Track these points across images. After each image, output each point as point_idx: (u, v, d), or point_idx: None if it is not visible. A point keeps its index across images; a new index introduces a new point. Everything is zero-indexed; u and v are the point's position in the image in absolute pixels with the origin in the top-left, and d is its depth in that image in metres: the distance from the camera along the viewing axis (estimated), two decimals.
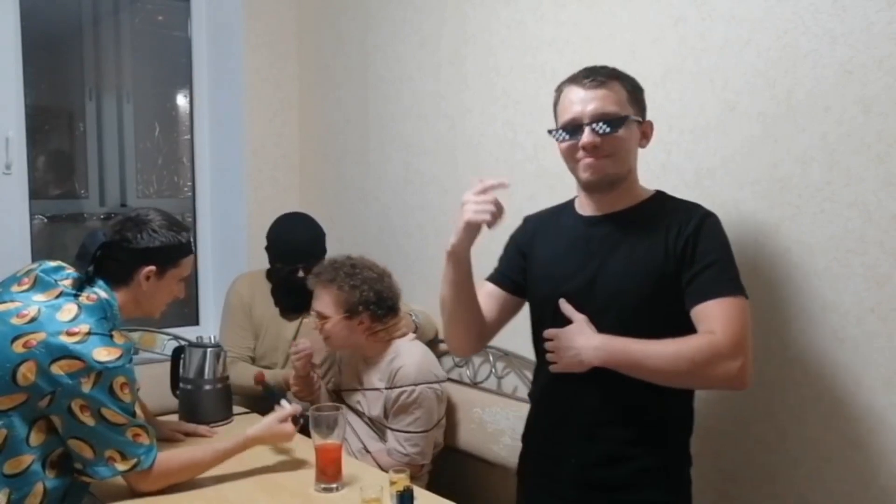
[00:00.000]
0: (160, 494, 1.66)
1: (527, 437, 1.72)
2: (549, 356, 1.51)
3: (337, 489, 1.69)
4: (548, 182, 2.15)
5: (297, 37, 3.16)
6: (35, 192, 2.86)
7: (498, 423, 2.16)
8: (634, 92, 1.52)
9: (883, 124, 1.46)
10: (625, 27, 1.92)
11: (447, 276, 1.59)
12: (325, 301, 2.11)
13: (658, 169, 1.84)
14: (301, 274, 2.42)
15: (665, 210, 1.52)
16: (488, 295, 1.69)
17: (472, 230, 1.53)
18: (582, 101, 1.49)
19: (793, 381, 1.62)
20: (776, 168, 1.63)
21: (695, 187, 1.78)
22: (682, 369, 1.39)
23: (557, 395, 1.58)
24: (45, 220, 2.99)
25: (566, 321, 1.52)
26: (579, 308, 1.51)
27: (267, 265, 2.59)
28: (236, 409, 2.31)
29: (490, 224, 1.51)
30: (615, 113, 1.47)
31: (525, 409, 2.12)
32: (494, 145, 2.32)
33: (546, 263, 1.61)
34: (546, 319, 1.57)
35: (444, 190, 2.51)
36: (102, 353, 1.54)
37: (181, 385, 2.20)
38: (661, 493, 1.50)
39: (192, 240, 1.80)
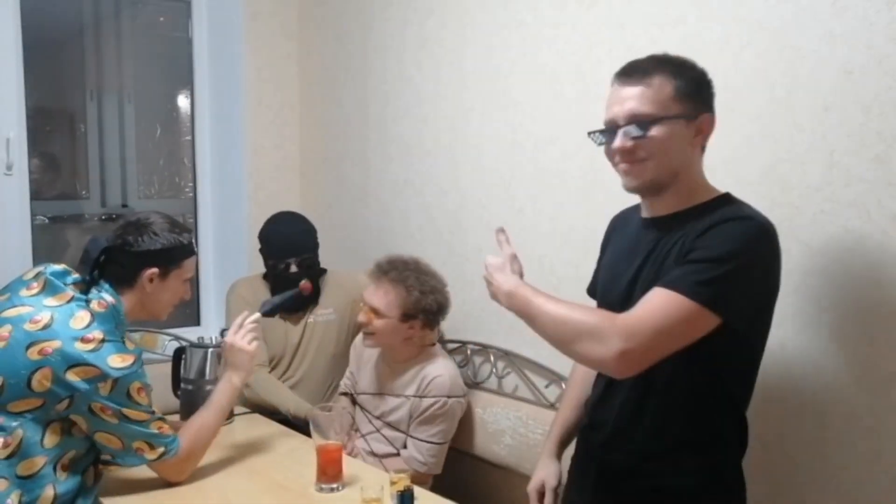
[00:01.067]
0: (183, 484, 1.72)
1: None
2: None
3: (338, 489, 1.70)
4: (548, 182, 2.15)
5: (297, 38, 3.16)
6: (36, 193, 2.87)
7: (499, 424, 2.16)
8: (687, 84, 1.35)
9: (882, 124, 1.46)
10: (624, 28, 1.92)
11: None
12: (385, 299, 2.08)
13: None
14: (294, 269, 2.43)
15: (713, 212, 1.34)
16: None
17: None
18: (619, 101, 1.37)
19: (791, 382, 1.62)
20: (775, 168, 1.63)
21: None
22: (562, 331, 1.32)
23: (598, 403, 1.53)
24: (47, 220, 3.00)
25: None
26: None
27: (263, 269, 2.58)
28: (237, 409, 2.31)
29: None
30: (650, 113, 1.33)
31: (526, 408, 2.13)
32: (494, 146, 2.32)
33: (607, 266, 1.56)
34: None
35: (443, 191, 2.51)
36: (117, 360, 1.57)
37: (182, 385, 2.20)
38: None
39: (193, 241, 1.81)
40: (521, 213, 2.24)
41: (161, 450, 1.65)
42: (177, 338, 2.85)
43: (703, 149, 1.41)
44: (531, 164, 2.20)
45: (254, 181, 3.08)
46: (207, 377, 2.18)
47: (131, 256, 1.69)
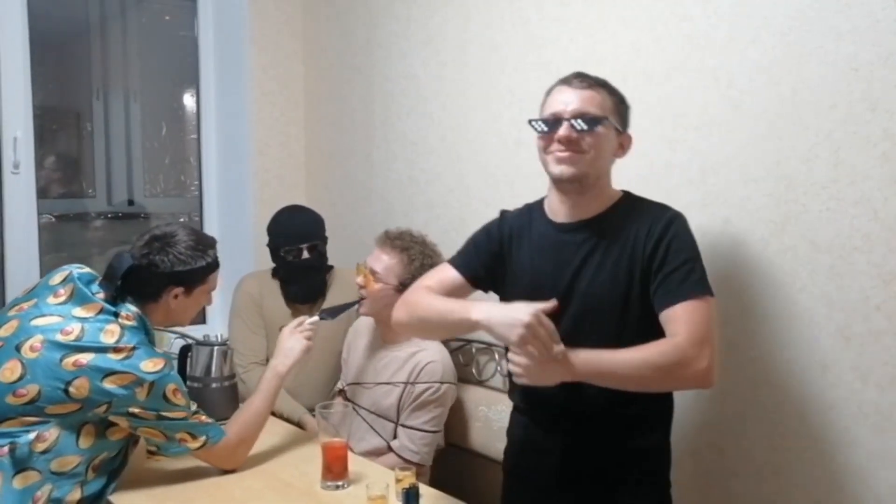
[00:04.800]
0: (236, 470, 1.79)
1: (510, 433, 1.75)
2: (513, 369, 1.41)
3: (343, 487, 1.70)
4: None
5: (303, 36, 3.17)
6: (43, 192, 2.88)
7: (503, 421, 2.15)
8: (620, 104, 1.55)
9: (889, 122, 1.46)
10: (629, 25, 1.92)
11: None
12: (386, 264, 2.10)
13: (662, 167, 1.84)
14: (306, 255, 2.45)
15: (634, 213, 1.53)
16: (446, 279, 1.68)
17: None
18: (566, 99, 1.52)
19: (797, 379, 1.62)
20: (781, 166, 1.63)
21: (699, 185, 1.77)
22: (650, 375, 1.40)
23: (535, 393, 1.54)
24: (53, 218, 3.01)
25: (567, 321, 1.51)
26: (555, 318, 1.46)
27: (271, 265, 2.58)
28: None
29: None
30: (596, 114, 1.50)
31: None
32: (499, 143, 2.32)
33: (524, 272, 1.61)
34: None
35: (448, 188, 2.52)
36: (149, 365, 1.61)
37: (188, 383, 2.21)
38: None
39: (217, 255, 1.84)
40: None
41: (203, 438, 1.70)
42: (183, 335, 2.86)
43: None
44: (535, 162, 2.19)
45: (259, 179, 3.09)
46: (213, 374, 2.19)
47: (156, 276, 1.72)
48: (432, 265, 2.10)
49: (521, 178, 2.24)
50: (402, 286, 2.06)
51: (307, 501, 1.68)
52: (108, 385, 1.56)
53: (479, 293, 1.70)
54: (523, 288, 1.59)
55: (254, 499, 1.69)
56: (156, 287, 1.73)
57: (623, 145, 1.56)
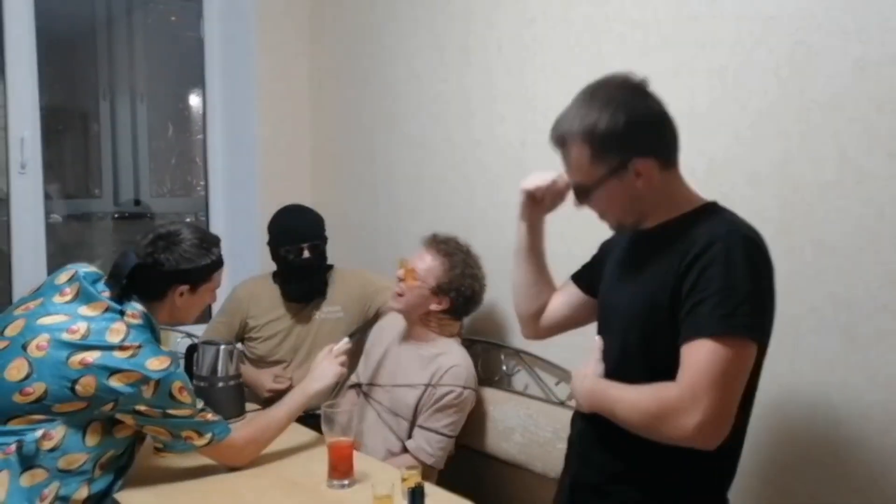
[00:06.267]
0: (242, 468, 1.79)
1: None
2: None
3: (349, 486, 1.70)
4: None
5: (308, 36, 3.17)
6: (50, 192, 2.89)
7: (509, 421, 2.16)
8: (602, 141, 1.29)
9: (895, 121, 1.46)
10: (635, 25, 1.92)
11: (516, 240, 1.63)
12: (429, 265, 2.13)
13: None
14: (307, 255, 2.45)
15: (697, 227, 1.29)
16: (563, 289, 1.65)
17: (527, 199, 1.55)
18: (562, 166, 1.41)
19: (804, 380, 1.61)
20: (788, 166, 1.62)
21: (705, 185, 1.76)
22: (636, 421, 1.27)
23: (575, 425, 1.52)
24: (60, 219, 3.03)
25: (610, 335, 1.45)
26: (610, 327, 1.44)
27: (271, 269, 2.59)
28: (249, 405, 2.32)
29: (544, 200, 1.51)
30: (581, 183, 1.35)
31: (536, 406, 2.13)
32: (504, 143, 2.32)
33: (606, 276, 1.54)
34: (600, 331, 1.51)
35: (454, 188, 2.52)
36: (155, 363, 1.61)
37: (194, 382, 2.21)
38: None
39: (222, 253, 1.84)
40: None
41: (209, 436, 1.70)
42: (188, 335, 2.86)
43: (667, 168, 1.33)
44: (540, 162, 2.20)
45: (265, 180, 3.10)
46: (219, 374, 2.19)
47: (162, 275, 1.73)
48: (472, 276, 2.15)
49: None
50: (439, 289, 2.11)
51: (313, 500, 1.68)
52: (115, 383, 1.56)
53: None
54: (599, 296, 1.54)
55: (260, 497, 1.69)
56: (161, 285, 1.73)
57: (640, 173, 1.30)
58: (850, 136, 1.52)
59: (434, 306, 2.12)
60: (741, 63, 1.69)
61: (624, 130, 1.28)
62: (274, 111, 3.11)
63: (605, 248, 1.60)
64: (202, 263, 1.76)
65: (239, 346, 2.54)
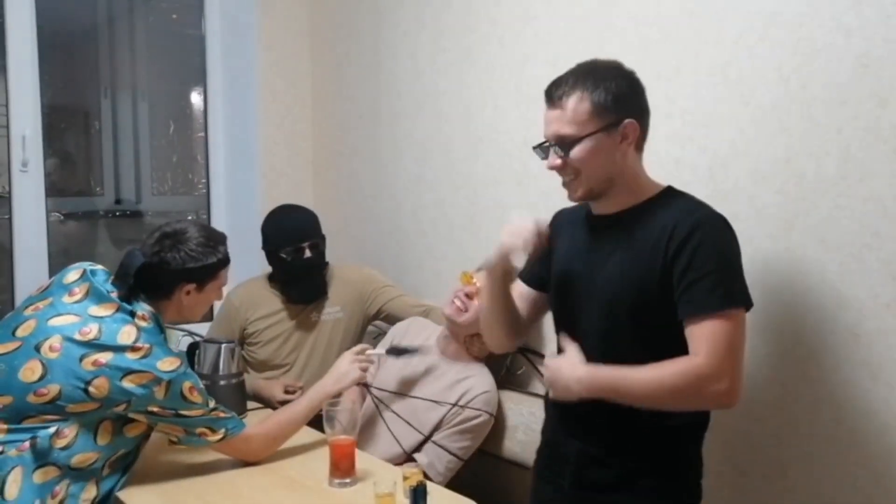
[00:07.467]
0: (258, 463, 1.81)
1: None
2: (544, 382, 1.48)
3: (351, 484, 1.70)
4: (559, 179, 2.13)
5: (310, 34, 3.17)
6: (51, 190, 2.90)
7: (511, 419, 2.16)
8: (605, 96, 1.42)
9: None
10: (638, 21, 1.91)
11: (485, 284, 1.64)
12: None
13: (671, 164, 1.83)
14: (308, 254, 2.41)
15: (668, 210, 1.44)
16: (519, 295, 1.68)
17: (504, 254, 1.53)
18: (547, 122, 1.47)
19: (807, 378, 1.61)
20: (790, 163, 1.62)
21: (708, 182, 1.77)
22: (666, 397, 1.37)
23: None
24: (62, 217, 3.03)
25: (574, 323, 1.52)
26: (581, 312, 1.50)
27: (264, 271, 2.56)
28: (251, 404, 2.32)
29: (528, 251, 1.50)
30: (569, 135, 1.42)
31: (538, 404, 2.12)
32: (507, 141, 2.32)
33: (560, 261, 1.59)
34: (558, 319, 1.59)
35: (456, 187, 2.51)
36: (166, 364, 1.63)
37: None
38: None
39: (228, 251, 1.85)
40: (533, 209, 2.23)
41: (223, 431, 1.72)
42: (190, 333, 2.86)
43: (638, 147, 1.48)
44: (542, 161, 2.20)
45: (266, 178, 3.10)
46: (221, 372, 2.19)
47: (168, 273, 1.73)
48: None
49: (529, 177, 2.24)
50: None
51: (315, 498, 1.68)
52: (127, 384, 1.58)
53: None
54: (557, 281, 1.58)
55: (262, 495, 1.69)
56: (168, 284, 1.74)
57: (627, 135, 1.43)
58: (852, 132, 1.52)
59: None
60: (744, 59, 1.69)
61: (626, 93, 1.44)
62: (275, 109, 3.11)
63: (551, 235, 1.62)
64: (209, 262, 1.76)
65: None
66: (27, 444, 1.53)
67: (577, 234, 1.58)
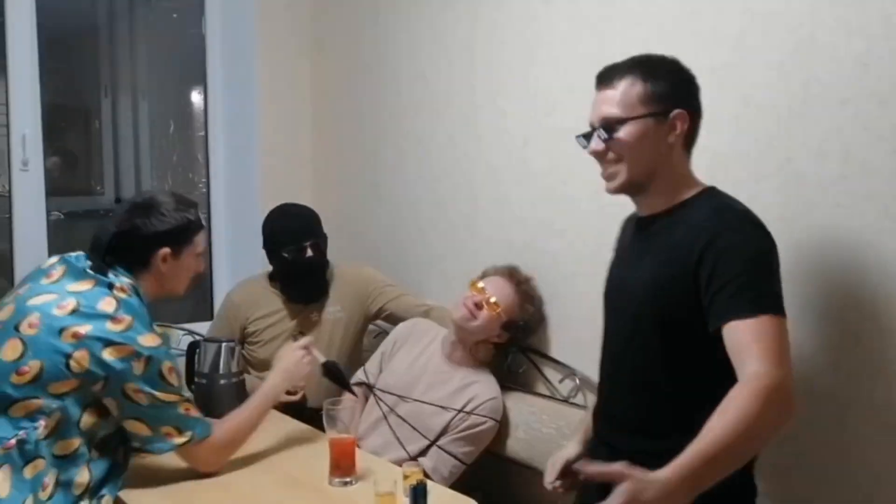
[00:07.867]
0: (212, 476, 1.74)
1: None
2: None
3: (351, 483, 1.70)
4: (560, 178, 2.14)
5: (310, 33, 3.17)
6: (51, 189, 2.90)
7: (512, 418, 2.16)
8: (658, 83, 1.38)
9: None
10: (638, 21, 1.92)
11: None
12: (510, 300, 2.09)
13: None
14: (310, 253, 2.41)
15: (699, 212, 1.37)
16: None
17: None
18: (595, 105, 1.43)
19: (809, 377, 1.61)
20: (791, 162, 1.62)
21: (709, 181, 1.76)
22: (751, 443, 1.20)
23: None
24: (62, 216, 3.03)
25: (607, 330, 1.51)
26: (611, 318, 1.47)
27: (267, 269, 2.56)
28: None
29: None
30: (616, 115, 1.38)
31: (540, 402, 2.13)
32: (507, 140, 2.32)
33: (610, 268, 1.56)
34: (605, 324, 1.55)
35: (456, 186, 2.51)
36: (147, 340, 1.61)
37: (196, 380, 2.21)
38: None
39: (201, 215, 1.84)
40: (535, 208, 2.23)
41: (189, 434, 1.67)
42: (190, 332, 2.86)
43: (686, 146, 1.44)
44: (543, 159, 2.20)
45: (267, 177, 3.09)
46: (221, 371, 2.19)
47: (142, 239, 1.71)
48: (537, 321, 2.15)
49: (530, 177, 2.24)
50: (507, 324, 2.09)
51: (315, 497, 1.68)
52: (107, 356, 1.55)
53: None
54: (606, 286, 1.55)
55: (262, 494, 1.69)
56: (142, 250, 1.71)
57: (675, 126, 1.38)
58: (853, 131, 1.52)
59: (493, 338, 2.10)
60: (744, 58, 1.69)
61: (682, 82, 1.42)
62: (276, 108, 3.10)
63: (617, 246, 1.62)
64: (181, 223, 1.74)
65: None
66: (13, 441, 1.51)
67: (626, 239, 1.55)
